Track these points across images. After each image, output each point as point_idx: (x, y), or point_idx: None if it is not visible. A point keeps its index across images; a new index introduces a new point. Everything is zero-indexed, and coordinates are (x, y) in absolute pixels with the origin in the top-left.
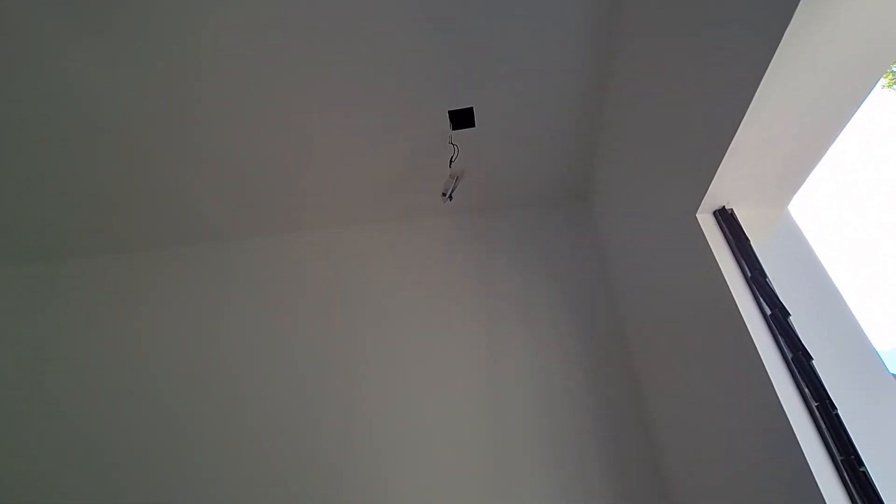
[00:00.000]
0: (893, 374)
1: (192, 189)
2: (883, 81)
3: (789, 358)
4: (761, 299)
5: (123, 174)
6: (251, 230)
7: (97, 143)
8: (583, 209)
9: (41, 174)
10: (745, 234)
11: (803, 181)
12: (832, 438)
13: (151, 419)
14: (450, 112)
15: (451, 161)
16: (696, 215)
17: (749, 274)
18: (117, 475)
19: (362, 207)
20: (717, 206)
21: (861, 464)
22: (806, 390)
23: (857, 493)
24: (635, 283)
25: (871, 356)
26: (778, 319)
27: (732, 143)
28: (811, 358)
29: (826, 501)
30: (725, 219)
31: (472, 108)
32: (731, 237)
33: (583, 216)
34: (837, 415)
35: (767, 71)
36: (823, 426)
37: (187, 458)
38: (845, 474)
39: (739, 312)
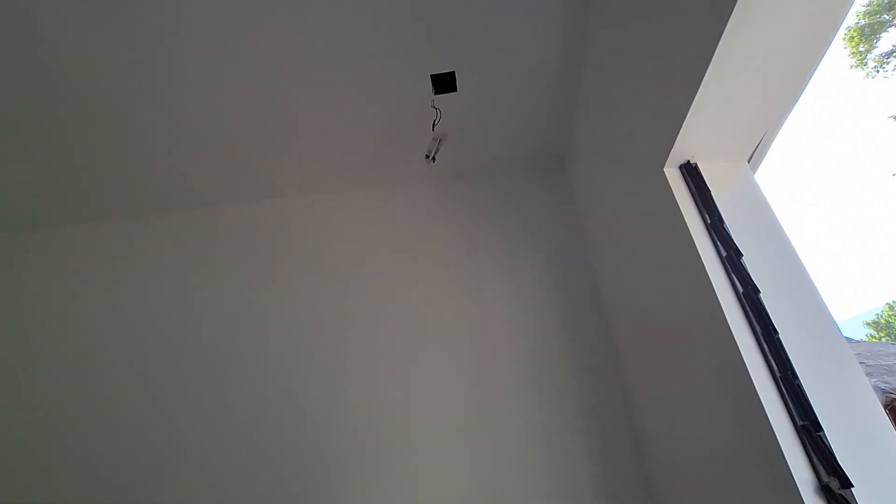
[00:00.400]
0: (825, 302)
1: (169, 154)
2: (852, 62)
3: (740, 292)
4: (718, 243)
5: (97, 139)
6: (232, 196)
7: (68, 107)
8: (562, 173)
9: (7, 140)
10: (707, 185)
11: (761, 136)
12: (773, 357)
13: (129, 386)
14: (432, 76)
15: (433, 125)
16: (664, 169)
17: (709, 221)
18: (92, 445)
19: (347, 174)
20: (682, 161)
21: (796, 377)
22: (753, 319)
23: (792, 401)
24: (609, 238)
25: (810, 290)
26: (732, 260)
27: (695, 100)
28: (759, 292)
29: (765, 408)
30: (690, 172)
31: (454, 73)
32: (694, 189)
33: (563, 180)
34: (779, 338)
35: (726, 29)
36: (766, 347)
37: (168, 424)
38: (782, 386)
39: (699, 255)
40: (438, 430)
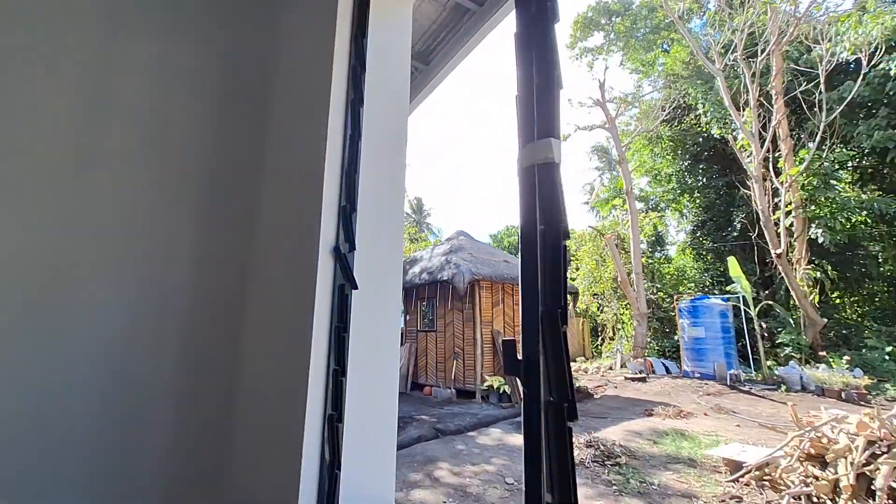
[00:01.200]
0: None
1: None
2: (568, 41)
3: (351, 99)
4: (353, 54)
5: None
6: None
7: None
8: None
9: None
10: (369, 5)
11: None
12: (348, 162)
13: None
14: None
15: None
16: None
17: (354, 32)
18: None
19: None
20: None
21: (354, 191)
22: (349, 124)
23: (343, 222)
24: (285, 40)
25: (401, 140)
26: (356, 71)
27: None
28: (363, 104)
29: (323, 193)
30: None
31: None
32: (357, 4)
33: None
34: (360, 144)
35: None
36: (347, 149)
37: None
38: (342, 204)
39: (333, 58)
40: (28, 167)
